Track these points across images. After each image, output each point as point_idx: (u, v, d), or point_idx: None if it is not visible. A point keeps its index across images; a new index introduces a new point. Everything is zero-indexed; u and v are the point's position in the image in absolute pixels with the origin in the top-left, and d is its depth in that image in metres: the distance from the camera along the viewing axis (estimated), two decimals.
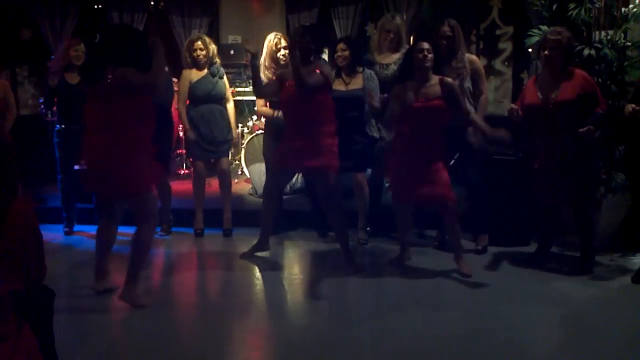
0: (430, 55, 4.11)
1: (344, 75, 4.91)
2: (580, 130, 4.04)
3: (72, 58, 5.29)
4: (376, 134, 4.99)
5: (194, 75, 5.26)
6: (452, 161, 4.59)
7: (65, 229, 5.54)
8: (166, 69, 5.82)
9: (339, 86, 4.84)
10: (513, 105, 4.37)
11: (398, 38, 5.05)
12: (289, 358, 3.18)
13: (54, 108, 5.63)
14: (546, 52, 4.16)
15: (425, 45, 4.15)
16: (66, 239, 5.43)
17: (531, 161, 4.46)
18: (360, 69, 4.92)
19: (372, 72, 4.91)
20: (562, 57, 4.14)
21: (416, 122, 4.14)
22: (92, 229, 5.58)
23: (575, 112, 4.11)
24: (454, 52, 4.58)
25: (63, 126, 5.39)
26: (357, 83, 4.87)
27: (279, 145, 4.53)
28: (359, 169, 5.02)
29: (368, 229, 5.20)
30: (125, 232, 5.51)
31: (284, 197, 5.65)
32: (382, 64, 5.01)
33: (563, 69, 4.17)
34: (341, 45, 4.89)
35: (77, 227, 5.64)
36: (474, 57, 4.86)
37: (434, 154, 4.16)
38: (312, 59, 4.33)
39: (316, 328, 3.53)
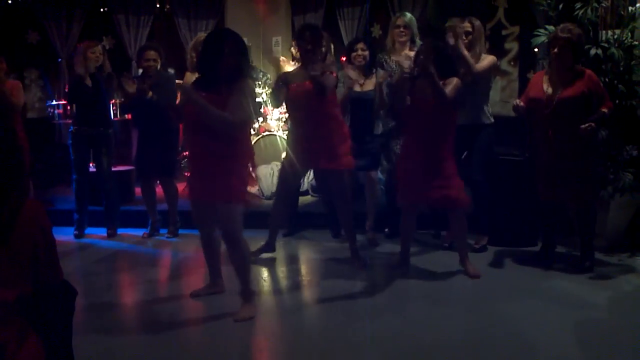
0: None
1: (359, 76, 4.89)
2: (582, 127, 4.00)
3: (89, 60, 5.28)
4: (380, 130, 5.00)
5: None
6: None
7: (75, 232, 5.53)
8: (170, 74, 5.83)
9: (354, 86, 4.84)
10: (517, 101, 4.36)
11: (410, 33, 5.02)
12: (295, 358, 3.18)
13: (65, 107, 5.64)
14: (556, 50, 4.12)
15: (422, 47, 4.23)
16: (77, 242, 5.43)
17: (533, 157, 4.45)
18: (374, 70, 4.93)
19: (385, 72, 4.89)
20: (572, 55, 4.11)
21: (421, 119, 4.13)
22: (103, 232, 5.63)
23: (578, 111, 4.09)
24: (472, 49, 4.56)
25: (77, 127, 5.40)
26: (371, 84, 4.86)
27: (290, 147, 4.54)
28: (372, 167, 5.03)
29: (386, 230, 5.24)
30: (133, 234, 5.62)
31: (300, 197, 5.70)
32: (398, 62, 4.92)
33: (571, 67, 4.15)
34: (361, 45, 4.86)
35: (88, 230, 5.64)
36: (491, 58, 4.72)
37: (443, 154, 4.13)
38: (316, 59, 4.35)
39: (322, 327, 3.53)
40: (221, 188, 3.45)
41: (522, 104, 4.32)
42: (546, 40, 4.76)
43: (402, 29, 5.00)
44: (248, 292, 3.68)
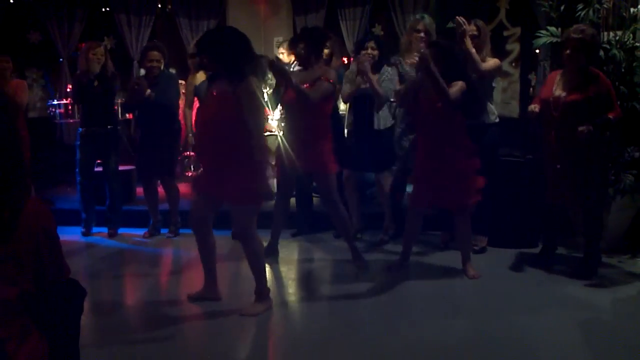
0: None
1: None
2: (580, 128, 3.94)
3: (90, 61, 5.28)
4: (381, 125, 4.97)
5: (199, 78, 5.27)
6: None
7: (82, 230, 5.57)
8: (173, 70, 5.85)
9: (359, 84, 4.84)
10: (533, 106, 4.30)
11: (428, 38, 4.99)
12: (295, 357, 3.18)
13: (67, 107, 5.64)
14: (568, 51, 4.06)
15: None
16: (79, 241, 5.43)
17: (543, 159, 4.43)
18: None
19: (394, 71, 4.89)
20: (585, 57, 4.04)
21: (428, 121, 4.14)
22: (105, 231, 5.63)
23: (581, 115, 4.02)
24: (479, 52, 4.54)
25: (86, 129, 5.41)
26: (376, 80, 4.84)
27: (283, 147, 4.56)
28: (381, 168, 5.03)
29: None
30: (134, 233, 5.62)
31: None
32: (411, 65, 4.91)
33: (585, 69, 4.08)
34: (371, 44, 4.85)
35: (94, 229, 5.65)
36: (495, 60, 4.71)
37: (454, 155, 4.11)
38: (313, 62, 4.36)
39: (322, 327, 3.53)
40: (235, 189, 3.47)
41: (536, 109, 4.23)
42: (548, 42, 4.77)
43: (422, 34, 4.96)
44: (261, 289, 3.71)
